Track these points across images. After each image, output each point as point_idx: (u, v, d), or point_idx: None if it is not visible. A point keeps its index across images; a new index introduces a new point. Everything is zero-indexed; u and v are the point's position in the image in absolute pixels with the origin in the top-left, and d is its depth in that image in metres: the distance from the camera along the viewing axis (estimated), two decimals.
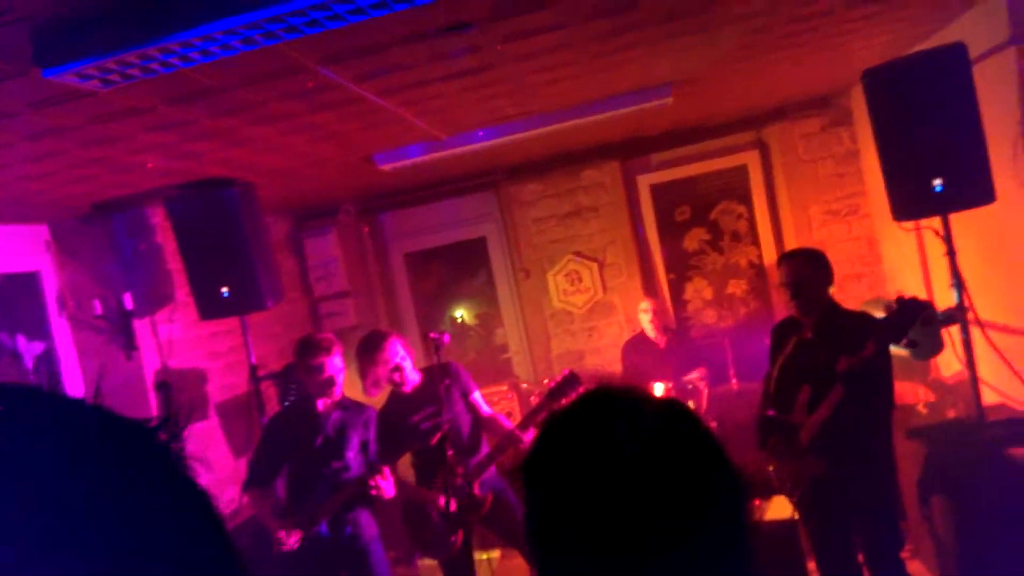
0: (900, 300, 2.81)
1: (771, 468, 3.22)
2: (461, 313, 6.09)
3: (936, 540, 3.32)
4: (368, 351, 3.50)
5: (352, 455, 3.37)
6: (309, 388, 3.43)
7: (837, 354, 2.90)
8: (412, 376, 3.53)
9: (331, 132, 3.37)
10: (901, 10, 3.13)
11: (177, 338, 4.40)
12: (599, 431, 0.84)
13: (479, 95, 3.25)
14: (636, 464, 0.79)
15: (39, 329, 3.94)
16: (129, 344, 4.06)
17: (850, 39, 3.49)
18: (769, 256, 5.56)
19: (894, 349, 2.91)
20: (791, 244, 5.46)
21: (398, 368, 3.47)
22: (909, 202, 3.19)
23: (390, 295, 6.05)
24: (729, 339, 4.87)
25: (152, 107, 2.45)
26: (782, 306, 5.53)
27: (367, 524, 3.39)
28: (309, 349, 3.37)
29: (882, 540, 3.02)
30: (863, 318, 3.14)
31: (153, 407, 3.97)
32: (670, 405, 0.88)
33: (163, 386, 3.35)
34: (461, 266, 6.05)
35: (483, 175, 5.72)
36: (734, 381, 4.67)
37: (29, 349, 3.85)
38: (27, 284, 3.94)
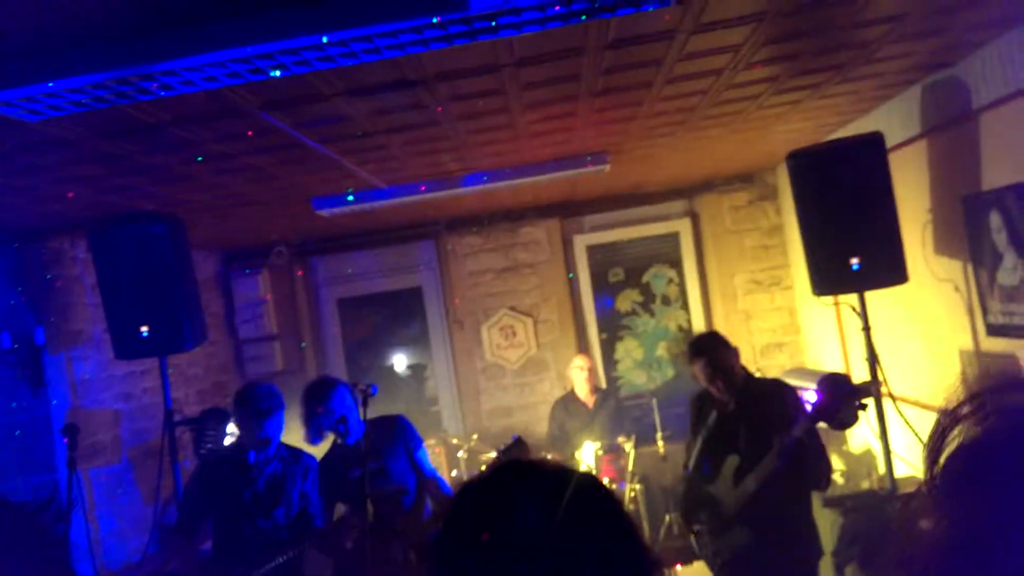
0: (832, 378, 2.86)
1: (693, 537, 3.24)
2: (394, 362, 6.01)
3: None
4: (316, 398, 3.34)
5: (282, 513, 3.20)
6: (243, 439, 3.23)
7: (761, 424, 2.96)
8: (356, 428, 3.39)
9: (269, 175, 3.34)
10: (823, 99, 3.34)
11: (90, 377, 4.18)
12: (510, 512, 0.83)
13: (420, 149, 3.28)
14: (547, 548, 0.78)
15: None
16: (37, 380, 3.84)
17: (774, 122, 3.70)
18: (697, 320, 5.71)
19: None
20: (718, 310, 5.64)
21: (343, 419, 3.32)
22: (828, 278, 3.33)
23: (319, 341, 5.93)
24: (657, 401, 4.94)
25: (79, 139, 2.37)
26: None
27: None
28: (245, 405, 3.15)
29: None
30: (779, 385, 3.24)
31: (57, 449, 3.74)
32: (584, 483, 0.87)
33: (70, 429, 3.15)
34: (395, 315, 5.99)
35: (422, 225, 5.73)
36: (660, 444, 4.72)
37: None
38: None
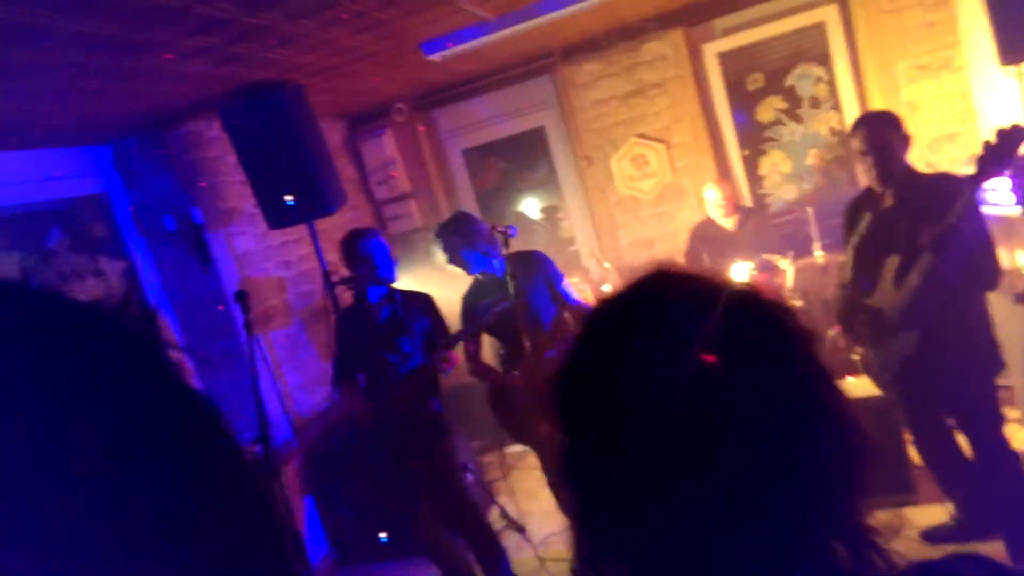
0: (999, 130, 2.49)
1: (856, 350, 3.06)
2: (525, 208, 5.98)
3: None
4: (464, 225, 3.51)
5: (411, 343, 3.41)
6: (360, 282, 3.47)
7: (921, 221, 2.67)
8: (500, 263, 3.52)
9: (373, 21, 3.21)
10: None
11: (251, 249, 4.48)
12: (655, 328, 0.65)
13: None
14: (703, 373, 0.61)
15: (118, 248, 4.06)
16: (204, 257, 4.15)
17: None
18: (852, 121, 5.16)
19: (992, 210, 2.65)
20: (877, 106, 5.04)
21: (485, 251, 3.48)
22: (1021, 40, 2.83)
23: (452, 194, 5.97)
24: (812, 211, 4.59)
25: (185, 7, 2.35)
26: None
27: (432, 418, 3.46)
28: (344, 243, 3.44)
29: (981, 416, 2.86)
30: (947, 178, 2.86)
31: (234, 316, 4.09)
32: (745, 294, 0.68)
33: (241, 295, 3.40)
34: (521, 159, 5.88)
35: (536, 59, 5.44)
36: (819, 255, 4.44)
37: (112, 268, 3.98)
38: (99, 205, 4.03)
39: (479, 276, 3.57)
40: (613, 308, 0.71)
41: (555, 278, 3.59)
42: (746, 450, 0.61)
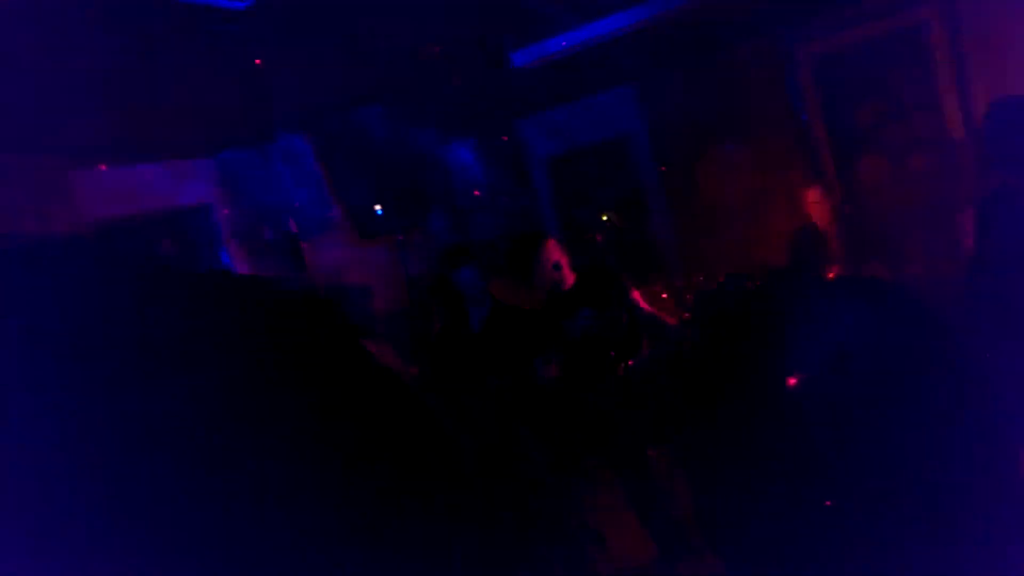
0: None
1: None
2: (608, 215, 5.94)
3: None
4: (528, 251, 3.49)
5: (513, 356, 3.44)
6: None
7: None
8: (569, 275, 3.51)
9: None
10: None
11: (341, 257, 4.63)
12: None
13: None
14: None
15: (215, 257, 4.28)
16: (299, 266, 4.32)
17: None
18: (956, 123, 4.88)
19: None
20: (980, 107, 4.75)
21: (559, 266, 3.45)
22: None
23: (535, 200, 6.01)
24: (914, 220, 4.37)
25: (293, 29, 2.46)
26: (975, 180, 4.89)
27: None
28: (445, 261, 3.44)
29: None
30: None
31: None
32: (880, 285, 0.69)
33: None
34: (605, 166, 5.85)
35: (622, 68, 5.40)
36: (917, 265, 4.22)
37: None
38: (201, 215, 4.27)
39: (551, 289, 3.60)
40: (736, 304, 0.72)
41: (625, 287, 3.58)
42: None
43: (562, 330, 3.34)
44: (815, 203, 4.56)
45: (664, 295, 5.12)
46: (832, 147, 5.19)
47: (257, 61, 2.70)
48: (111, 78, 2.45)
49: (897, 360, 0.63)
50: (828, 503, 0.61)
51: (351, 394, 0.38)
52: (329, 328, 0.43)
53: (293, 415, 0.35)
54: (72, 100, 2.59)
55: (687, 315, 3.30)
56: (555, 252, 3.46)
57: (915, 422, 0.62)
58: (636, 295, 3.57)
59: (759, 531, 0.67)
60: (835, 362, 0.62)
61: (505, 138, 5.88)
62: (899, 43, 4.93)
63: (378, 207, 4.03)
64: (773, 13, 4.61)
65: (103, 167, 3.62)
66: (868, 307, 0.68)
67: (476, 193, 5.87)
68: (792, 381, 0.64)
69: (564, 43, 3.82)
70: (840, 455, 0.62)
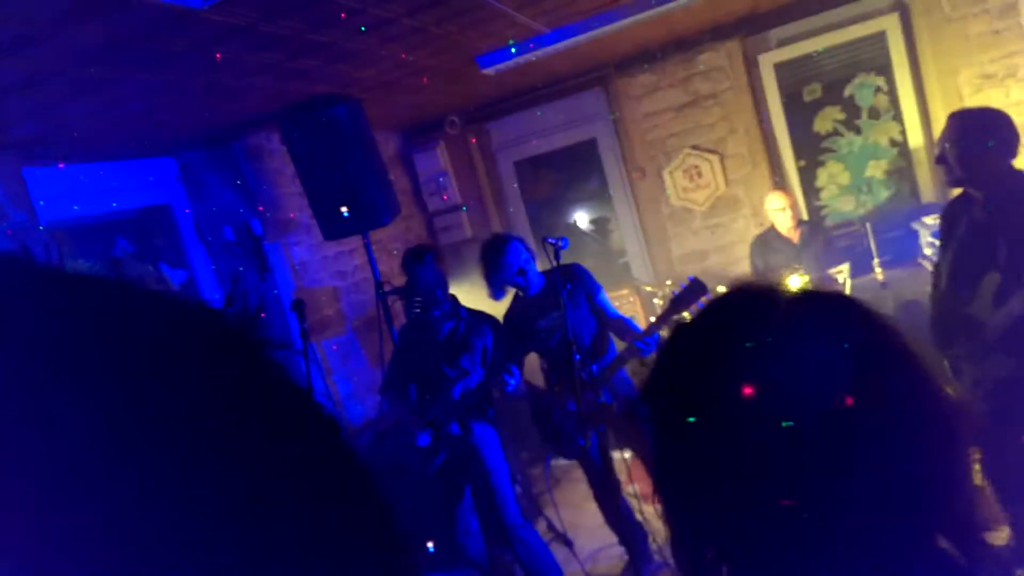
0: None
1: (947, 363, 2.91)
2: (576, 219, 5.97)
3: None
4: (492, 255, 3.47)
5: (470, 360, 3.41)
6: (419, 296, 3.50)
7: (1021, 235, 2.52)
8: (536, 279, 3.49)
9: (430, 36, 3.26)
10: None
11: (306, 259, 4.57)
12: (742, 344, 0.65)
13: None
14: (799, 386, 0.62)
15: (179, 258, 4.19)
16: (262, 267, 4.25)
17: None
18: (914, 131, 5.02)
19: None
20: (939, 116, 4.89)
21: (522, 271, 3.43)
22: None
23: (502, 205, 6.00)
24: (871, 226, 4.48)
25: (251, 24, 2.42)
26: (930, 186, 5.03)
27: (483, 432, 3.45)
28: (407, 261, 3.45)
29: None
30: None
31: (291, 325, 4.17)
32: (836, 302, 0.69)
33: (298, 304, 3.47)
34: (573, 171, 5.88)
35: (590, 71, 5.44)
36: (878, 271, 4.32)
37: (174, 276, 4.11)
38: (162, 215, 4.17)
39: (519, 292, 3.57)
40: (701, 321, 0.72)
41: (594, 291, 3.55)
42: (862, 460, 0.61)
43: (534, 333, 3.33)
44: (783, 210, 4.63)
45: (632, 299, 5.16)
46: (796, 153, 5.29)
47: (218, 56, 2.64)
48: (74, 73, 2.38)
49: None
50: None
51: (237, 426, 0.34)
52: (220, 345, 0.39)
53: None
54: (32, 95, 2.50)
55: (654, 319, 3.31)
56: (517, 257, 3.44)
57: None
58: (601, 299, 3.58)
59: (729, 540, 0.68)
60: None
61: (474, 140, 5.87)
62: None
63: (344, 208, 3.98)
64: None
65: (60, 165, 3.51)
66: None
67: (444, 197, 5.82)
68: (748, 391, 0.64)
69: None
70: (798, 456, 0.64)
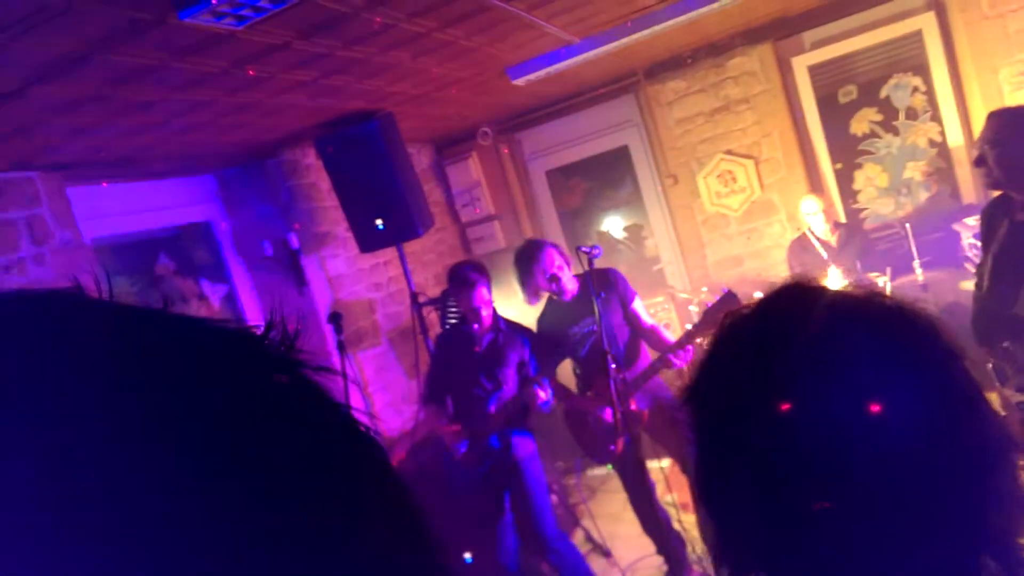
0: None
1: (992, 366, 2.84)
2: (608, 227, 5.95)
3: None
4: (525, 260, 3.48)
5: (507, 373, 3.42)
6: (462, 311, 3.52)
7: None
8: (570, 285, 3.48)
9: (461, 50, 3.29)
10: None
11: (343, 272, 4.63)
12: (788, 350, 0.64)
13: None
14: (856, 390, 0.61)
15: (219, 273, 4.27)
16: (300, 281, 4.32)
17: None
18: (953, 132, 4.91)
19: None
20: (979, 115, 4.78)
21: (555, 277, 3.43)
22: None
23: (535, 214, 6.01)
24: (911, 227, 4.38)
25: (287, 43, 2.47)
26: (971, 186, 4.91)
27: (522, 444, 3.45)
28: (454, 283, 3.44)
29: None
30: None
31: (327, 337, 4.22)
32: (891, 305, 0.67)
33: (335, 317, 3.52)
34: (605, 178, 5.87)
35: (620, 79, 5.44)
36: (919, 272, 4.23)
37: (214, 291, 4.19)
38: (203, 232, 4.26)
39: (552, 297, 3.57)
40: (749, 316, 0.71)
41: (628, 297, 3.52)
42: (904, 473, 0.59)
43: (566, 338, 3.33)
44: (816, 214, 4.57)
45: (667, 307, 5.12)
46: (832, 156, 5.21)
47: (251, 72, 2.70)
48: (113, 95, 2.45)
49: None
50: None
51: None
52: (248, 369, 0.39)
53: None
54: (74, 117, 2.58)
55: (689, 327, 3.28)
56: (551, 263, 3.43)
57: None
58: (635, 307, 3.56)
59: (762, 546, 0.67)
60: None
61: (506, 150, 5.89)
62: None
63: (379, 221, 4.03)
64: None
65: (104, 184, 3.62)
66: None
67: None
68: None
69: None
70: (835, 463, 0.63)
